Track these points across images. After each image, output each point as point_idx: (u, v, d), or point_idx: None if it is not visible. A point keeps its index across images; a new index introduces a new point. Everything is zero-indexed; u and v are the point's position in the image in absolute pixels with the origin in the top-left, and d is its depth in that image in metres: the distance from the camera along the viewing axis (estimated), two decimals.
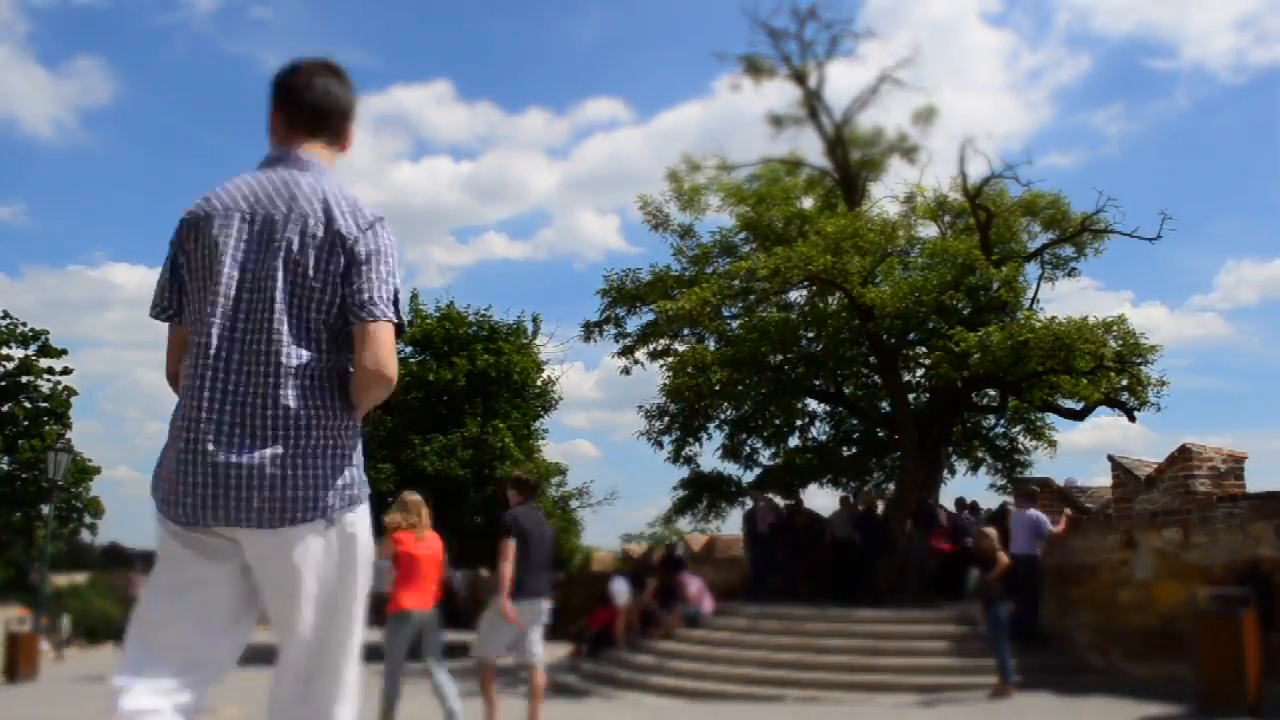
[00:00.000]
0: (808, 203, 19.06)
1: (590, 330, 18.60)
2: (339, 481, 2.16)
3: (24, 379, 24.50)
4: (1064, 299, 56.67)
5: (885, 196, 18.74)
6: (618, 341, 18.46)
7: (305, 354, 2.15)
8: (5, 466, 24.16)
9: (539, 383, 21.01)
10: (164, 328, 2.43)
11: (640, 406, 19.03)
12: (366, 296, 2.17)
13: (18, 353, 24.49)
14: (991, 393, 17.73)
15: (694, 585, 14.69)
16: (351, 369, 2.21)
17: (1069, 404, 17.00)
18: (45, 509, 22.89)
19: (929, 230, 18.64)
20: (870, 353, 17.34)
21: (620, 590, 14.88)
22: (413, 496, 7.54)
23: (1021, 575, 11.24)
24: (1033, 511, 11.87)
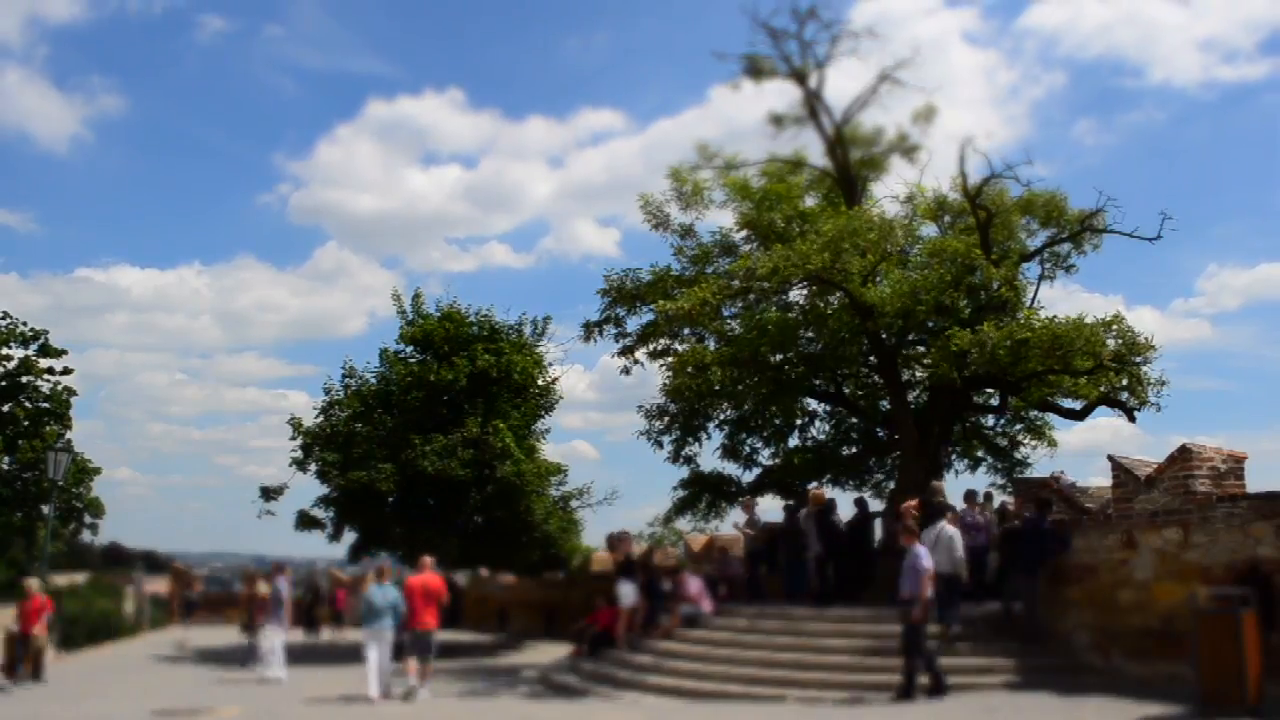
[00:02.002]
0: (809, 202, 19.04)
1: (590, 330, 18.58)
2: None
3: (24, 379, 24.49)
4: (1056, 303, 56.73)
5: (885, 196, 18.74)
6: (618, 341, 18.45)
7: None
8: (5, 466, 24.14)
9: (540, 381, 21.03)
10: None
11: (640, 406, 19.03)
12: None
13: (18, 352, 24.48)
14: (991, 392, 17.72)
15: (694, 585, 14.70)
16: None
17: (1068, 404, 16.98)
18: (45, 509, 22.89)
19: (929, 230, 18.64)
20: (870, 352, 17.33)
21: (627, 593, 14.88)
22: None
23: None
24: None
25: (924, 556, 10.59)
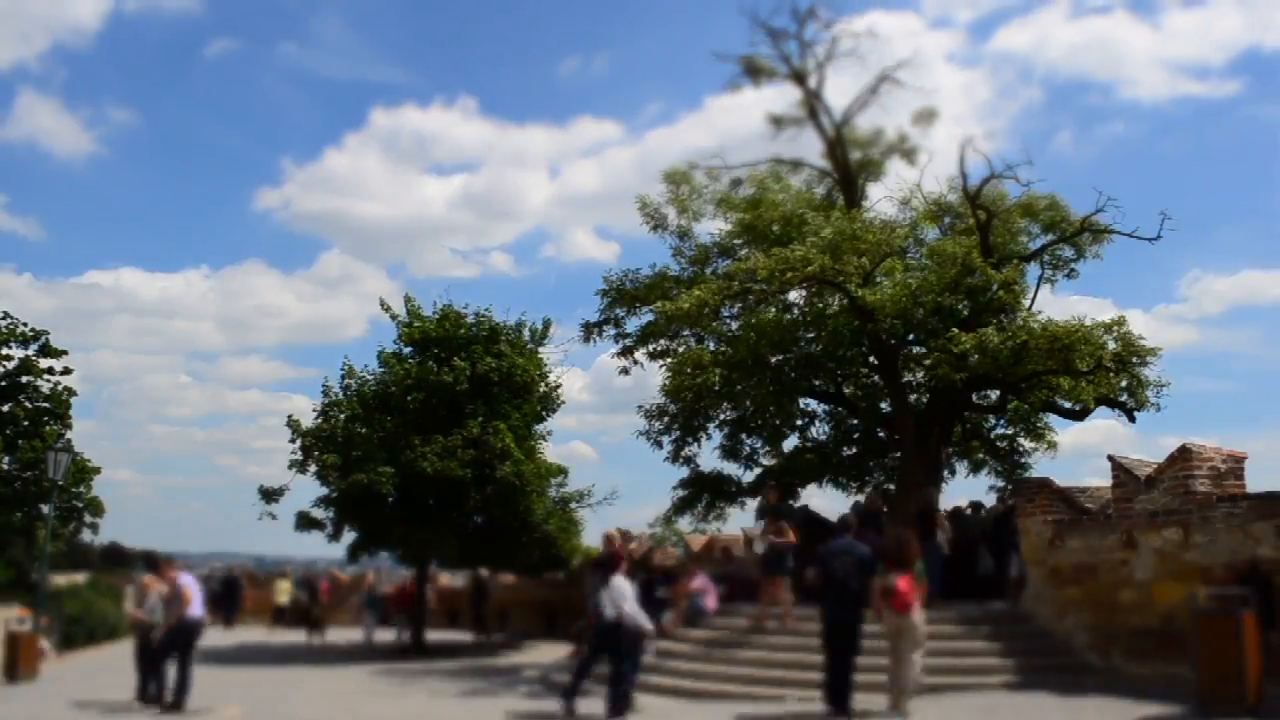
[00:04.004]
0: (806, 205, 19.01)
1: (590, 331, 18.58)
2: None
3: (24, 379, 24.47)
4: (1049, 306, 56.69)
5: (884, 197, 18.73)
6: (617, 342, 18.45)
7: None
8: (5, 466, 24.10)
9: (542, 386, 20.97)
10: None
11: (640, 406, 19.03)
12: None
13: (18, 353, 24.46)
14: (991, 393, 17.71)
15: (699, 580, 14.77)
16: None
17: (1069, 405, 16.97)
18: (45, 509, 22.87)
19: (929, 232, 18.62)
20: (870, 353, 17.33)
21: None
22: None
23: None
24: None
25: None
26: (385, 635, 23.40)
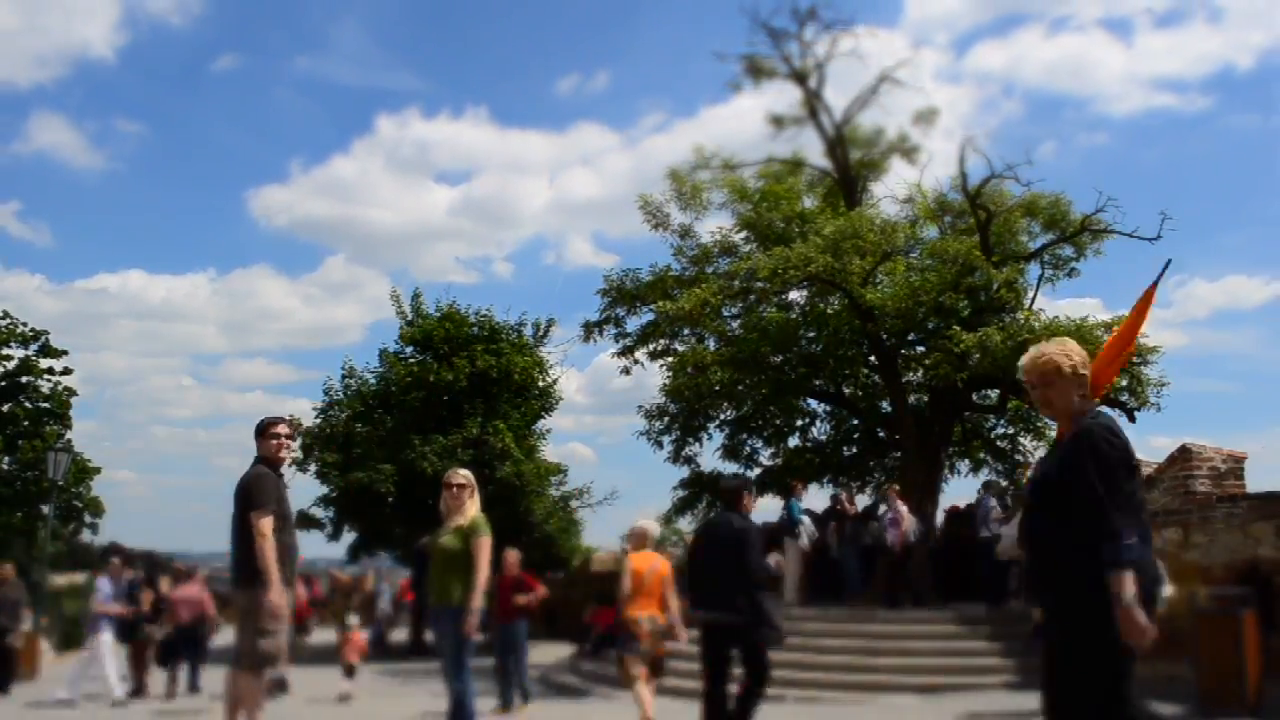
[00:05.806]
0: (808, 203, 19.03)
1: (590, 330, 18.58)
2: None
3: (24, 379, 24.48)
4: (1043, 307, 56.81)
5: (885, 196, 18.75)
6: (617, 341, 18.45)
7: None
8: (5, 466, 24.11)
9: (540, 384, 21.00)
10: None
11: (640, 406, 19.05)
12: None
13: (18, 353, 24.47)
14: (991, 393, 17.72)
15: None
16: None
17: None
18: (45, 509, 22.88)
19: (929, 231, 18.63)
20: (870, 353, 17.33)
21: None
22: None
23: None
24: None
25: None
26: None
